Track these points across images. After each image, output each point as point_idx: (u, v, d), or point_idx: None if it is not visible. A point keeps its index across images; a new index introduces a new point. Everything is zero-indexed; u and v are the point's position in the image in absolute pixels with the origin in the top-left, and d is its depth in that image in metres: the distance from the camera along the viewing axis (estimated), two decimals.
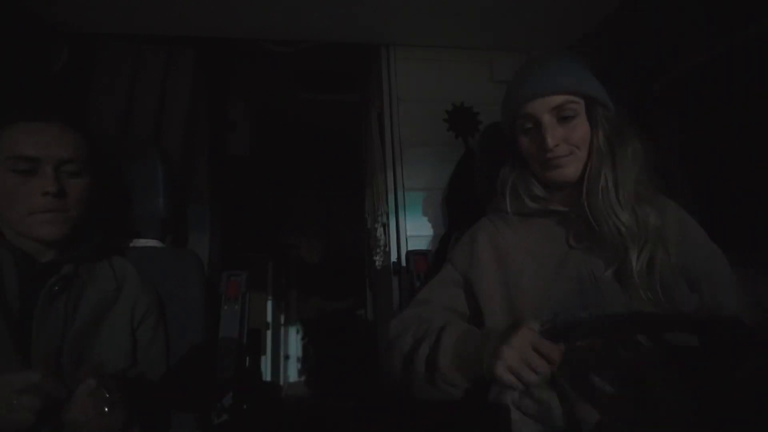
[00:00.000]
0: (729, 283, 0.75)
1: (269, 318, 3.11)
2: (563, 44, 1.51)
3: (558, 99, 0.78)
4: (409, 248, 1.40)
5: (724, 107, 1.19)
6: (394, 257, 1.44)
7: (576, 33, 1.43)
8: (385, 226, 1.52)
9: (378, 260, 1.61)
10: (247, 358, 1.27)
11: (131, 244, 1.00)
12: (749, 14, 1.01)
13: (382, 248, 1.57)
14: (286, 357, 3.45)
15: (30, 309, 0.72)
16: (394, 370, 0.78)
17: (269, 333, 3.08)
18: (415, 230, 1.45)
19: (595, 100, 0.80)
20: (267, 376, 3.00)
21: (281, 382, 3.27)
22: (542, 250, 0.81)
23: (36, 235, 0.73)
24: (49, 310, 0.73)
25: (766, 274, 0.68)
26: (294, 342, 3.55)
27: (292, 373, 3.50)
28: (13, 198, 0.72)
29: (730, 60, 1.12)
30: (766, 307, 0.76)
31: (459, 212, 1.42)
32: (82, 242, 0.80)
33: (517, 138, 0.84)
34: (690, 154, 1.28)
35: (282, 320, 3.43)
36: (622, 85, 1.37)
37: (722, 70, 1.15)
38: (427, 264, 1.24)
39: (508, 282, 0.81)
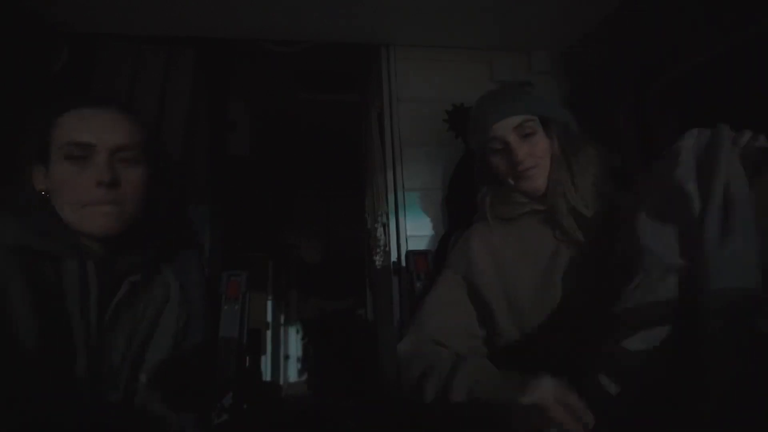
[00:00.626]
0: None
1: (269, 318, 3.12)
2: (563, 44, 1.51)
3: (517, 119, 0.90)
4: (409, 248, 1.40)
5: (724, 107, 1.19)
6: (394, 257, 1.44)
7: (576, 33, 1.43)
8: (385, 226, 1.52)
9: (378, 260, 1.61)
10: (247, 358, 1.27)
11: None
12: (749, 14, 1.01)
13: (382, 248, 1.57)
14: (286, 357, 3.45)
15: (102, 314, 0.71)
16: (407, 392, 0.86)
17: (269, 333, 3.08)
18: (415, 230, 1.45)
19: (548, 118, 0.92)
20: (267, 376, 3.01)
21: (281, 382, 3.27)
22: (533, 246, 0.90)
23: (88, 230, 0.70)
24: (116, 319, 0.73)
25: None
26: (294, 342, 3.55)
27: (292, 373, 3.50)
28: (68, 189, 0.69)
29: (730, 60, 1.12)
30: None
31: (459, 212, 1.42)
32: (144, 245, 0.78)
33: (488, 159, 0.96)
34: None
35: (282, 320, 3.43)
36: (622, 85, 1.37)
37: (722, 70, 1.15)
38: (427, 264, 1.24)
39: (506, 282, 0.89)
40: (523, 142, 0.90)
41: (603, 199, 0.87)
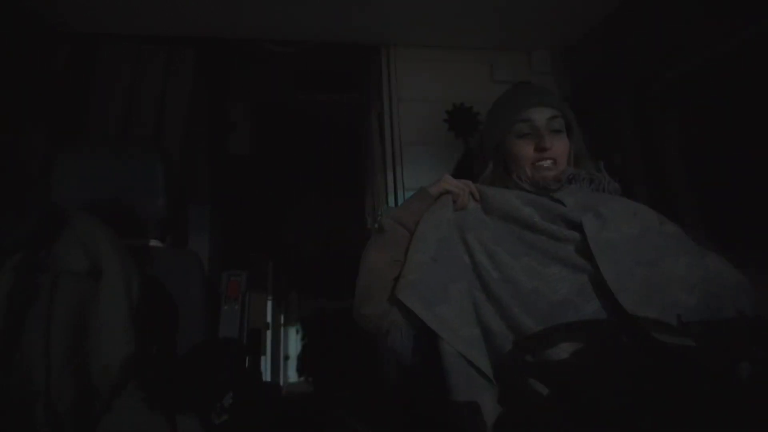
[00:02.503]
0: None
1: (269, 318, 3.12)
2: (563, 44, 1.51)
3: (551, 111, 0.90)
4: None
5: (724, 107, 1.19)
6: None
7: (576, 33, 1.43)
8: None
9: None
10: (247, 358, 1.27)
11: (131, 244, 1.00)
12: (749, 14, 1.01)
13: None
14: (286, 357, 3.45)
15: None
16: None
17: (269, 333, 3.08)
18: None
19: (571, 125, 0.93)
20: (267, 376, 3.01)
21: (281, 382, 3.27)
22: (526, 240, 0.85)
23: None
24: (19, 330, 0.57)
25: (767, 273, 0.68)
26: (294, 342, 3.55)
27: (292, 373, 3.50)
28: None
29: (730, 60, 1.12)
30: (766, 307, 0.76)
31: None
32: (19, 217, 0.62)
33: (509, 143, 0.93)
34: (690, 154, 1.28)
35: (282, 320, 3.43)
36: (622, 85, 1.37)
37: (722, 70, 1.15)
38: None
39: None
40: (550, 133, 0.90)
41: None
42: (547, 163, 0.89)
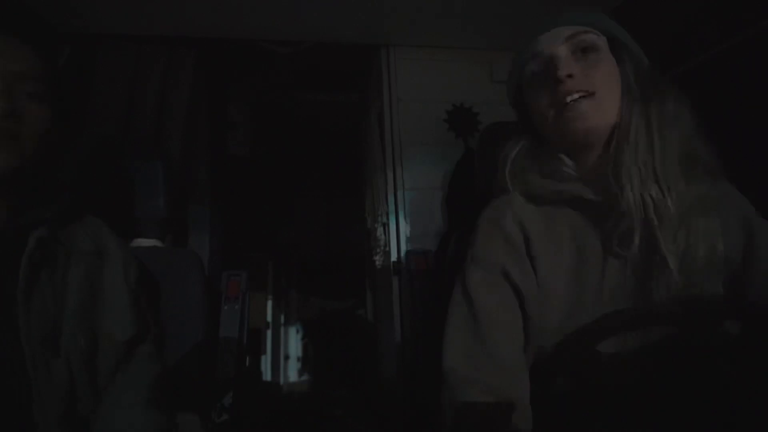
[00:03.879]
0: None
1: (269, 318, 3.12)
2: None
3: (571, 29, 0.63)
4: (409, 248, 1.40)
5: (726, 106, 1.19)
6: (394, 257, 1.44)
7: None
8: (385, 226, 1.52)
9: (378, 260, 1.61)
10: (247, 358, 1.27)
11: (131, 244, 1.00)
12: (750, 13, 1.01)
13: (382, 248, 1.57)
14: (286, 357, 3.44)
15: (6, 283, 0.60)
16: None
17: (269, 333, 3.08)
18: (415, 230, 1.45)
19: (620, 42, 0.65)
20: (267, 376, 3.01)
21: (281, 382, 3.27)
22: (572, 256, 0.62)
23: None
24: (33, 287, 0.62)
25: None
26: (294, 342, 3.55)
27: (292, 373, 3.50)
28: None
29: (731, 59, 1.12)
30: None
31: (459, 212, 1.42)
32: (45, 201, 0.67)
33: (525, 97, 0.68)
34: None
35: (282, 320, 3.43)
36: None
37: (723, 69, 1.15)
38: (427, 264, 1.24)
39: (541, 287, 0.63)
40: (575, 60, 0.62)
41: (694, 195, 0.58)
42: (574, 98, 0.60)
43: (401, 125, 1.51)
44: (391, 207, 1.49)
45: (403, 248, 1.42)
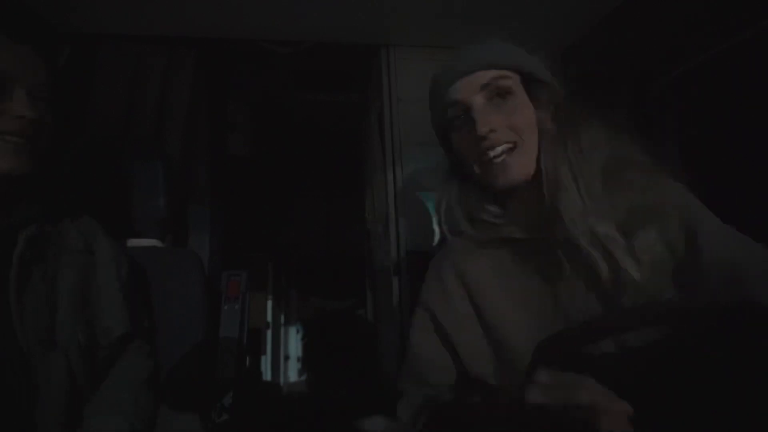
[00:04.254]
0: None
1: (269, 318, 3.12)
2: (563, 44, 1.51)
3: (486, 75, 0.64)
4: (409, 248, 1.40)
5: (724, 107, 1.19)
6: (394, 257, 1.44)
7: (576, 33, 1.43)
8: (385, 226, 1.52)
9: (378, 260, 1.61)
10: (247, 358, 1.27)
11: (131, 244, 1.00)
12: (750, 14, 1.01)
13: (382, 248, 1.57)
14: (286, 357, 3.45)
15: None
16: None
17: (269, 333, 3.08)
18: (415, 230, 1.45)
19: (533, 77, 0.67)
20: (267, 376, 3.01)
21: (281, 382, 3.27)
22: (516, 289, 0.65)
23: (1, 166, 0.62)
24: (26, 285, 0.63)
25: None
26: (294, 342, 3.55)
27: (292, 373, 3.50)
28: None
29: (730, 60, 1.12)
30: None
31: None
32: (37, 199, 0.69)
33: (450, 139, 0.70)
34: (689, 154, 1.28)
35: (282, 320, 3.43)
36: (622, 85, 1.37)
37: (722, 69, 1.15)
38: (426, 264, 1.24)
39: (489, 335, 0.66)
40: (493, 107, 0.64)
41: (617, 212, 0.60)
42: (497, 152, 0.62)
43: (401, 125, 1.51)
44: (391, 207, 1.48)
45: (403, 248, 1.42)
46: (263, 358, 2.90)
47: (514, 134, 0.63)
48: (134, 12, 1.26)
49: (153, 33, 1.39)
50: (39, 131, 0.65)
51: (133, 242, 1.01)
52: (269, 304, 3.13)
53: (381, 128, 1.57)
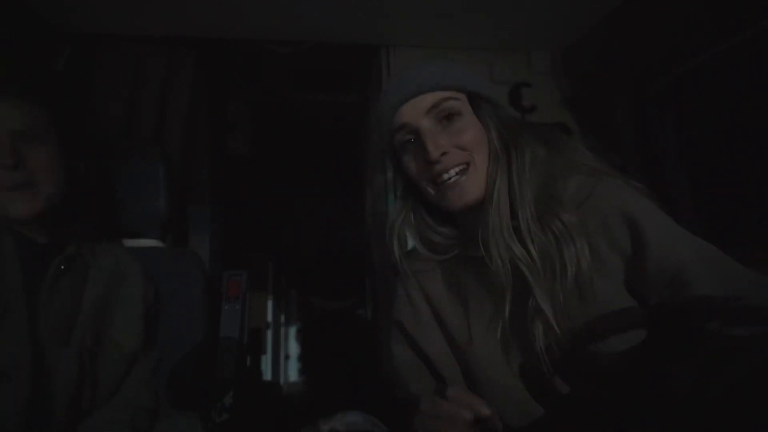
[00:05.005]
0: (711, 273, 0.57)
1: (269, 318, 3.12)
2: (563, 44, 1.51)
3: (431, 98, 0.64)
4: (409, 248, 1.40)
5: (724, 107, 1.19)
6: (393, 257, 1.44)
7: (576, 33, 1.43)
8: (385, 226, 1.52)
9: (378, 260, 1.61)
10: (248, 358, 1.27)
11: (131, 244, 1.00)
12: (750, 14, 1.01)
13: (382, 248, 1.57)
14: (286, 357, 3.45)
15: (34, 290, 0.71)
16: None
17: (269, 333, 3.09)
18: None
19: (479, 96, 0.67)
20: (267, 376, 3.01)
21: (281, 382, 3.28)
22: (470, 302, 0.69)
23: (14, 215, 0.71)
24: (55, 290, 0.73)
25: (766, 273, 0.68)
26: (294, 342, 3.55)
27: (292, 373, 3.50)
28: None
29: (729, 60, 1.12)
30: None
31: None
32: (74, 222, 0.79)
33: (400, 161, 0.70)
34: (689, 154, 1.28)
35: (282, 320, 3.43)
36: (622, 85, 1.37)
37: (722, 70, 1.15)
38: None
39: (451, 344, 0.72)
40: (441, 129, 0.64)
41: (551, 226, 0.61)
42: (450, 175, 0.63)
43: None
44: (391, 207, 1.48)
45: (403, 248, 1.42)
46: (263, 358, 2.90)
47: (465, 154, 0.64)
48: (134, 12, 1.27)
49: (153, 33, 1.39)
50: (37, 172, 0.71)
51: (133, 242, 1.01)
52: (269, 304, 3.13)
53: None
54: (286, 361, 3.44)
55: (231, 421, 1.03)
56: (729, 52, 1.09)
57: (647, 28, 1.24)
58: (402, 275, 0.81)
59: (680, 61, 1.19)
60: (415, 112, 0.65)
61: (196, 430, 0.86)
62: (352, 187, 2.36)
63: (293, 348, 3.54)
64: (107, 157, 1.00)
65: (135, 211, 1.00)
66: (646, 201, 0.62)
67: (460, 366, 0.70)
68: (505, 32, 1.44)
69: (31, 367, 0.68)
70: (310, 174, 3.31)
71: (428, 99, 0.64)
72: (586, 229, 0.61)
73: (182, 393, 0.89)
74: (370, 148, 1.72)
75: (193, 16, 1.30)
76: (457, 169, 0.64)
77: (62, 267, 0.74)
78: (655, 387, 0.55)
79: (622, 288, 0.60)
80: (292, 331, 3.56)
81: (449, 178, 0.64)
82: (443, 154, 0.63)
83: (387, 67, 1.55)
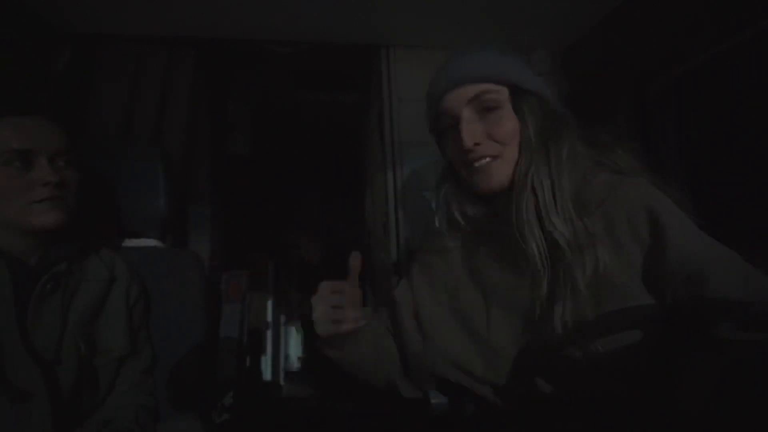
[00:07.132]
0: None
1: (270, 318, 3.12)
2: (563, 44, 1.51)
3: (474, 89, 0.68)
4: (409, 248, 1.40)
5: (724, 107, 1.19)
6: (394, 257, 1.44)
7: (576, 33, 1.43)
8: (385, 226, 1.52)
9: (378, 260, 1.61)
10: (248, 358, 1.27)
11: (131, 244, 1.00)
12: (750, 14, 1.01)
13: (382, 248, 1.57)
14: (286, 357, 3.45)
15: (24, 310, 0.74)
16: None
17: (269, 333, 3.09)
18: (415, 230, 1.45)
19: (521, 88, 0.70)
20: (267, 376, 3.01)
21: (281, 382, 3.28)
22: (489, 282, 0.72)
23: (39, 224, 0.74)
24: (42, 306, 0.75)
25: (766, 272, 0.68)
26: (294, 342, 3.55)
27: (292, 373, 3.50)
28: (8, 191, 0.72)
29: (730, 60, 1.12)
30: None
31: None
32: (69, 241, 0.81)
33: (441, 142, 0.77)
34: (689, 154, 1.28)
35: (282, 320, 3.43)
36: (622, 85, 1.37)
37: (722, 70, 1.15)
38: None
39: (464, 324, 0.74)
40: (479, 120, 0.69)
41: (583, 219, 0.64)
42: (481, 163, 0.68)
43: (401, 125, 1.51)
44: (391, 207, 1.48)
45: (403, 248, 1.42)
46: (263, 357, 2.90)
47: (497, 146, 0.69)
48: (134, 12, 1.27)
49: (153, 33, 1.39)
50: (67, 189, 0.77)
51: (133, 242, 1.00)
52: (270, 304, 3.13)
53: (381, 128, 1.57)
54: (285, 361, 3.44)
55: (231, 421, 1.02)
56: (729, 52, 1.09)
57: (647, 28, 1.24)
58: (427, 242, 0.86)
59: (680, 61, 1.19)
60: (458, 101, 0.69)
61: (196, 430, 0.86)
62: (352, 187, 2.36)
63: (293, 348, 3.54)
64: (107, 158, 1.00)
65: (135, 212, 1.00)
66: (668, 200, 0.64)
67: (475, 346, 0.71)
68: (504, 32, 1.44)
69: (44, 382, 0.70)
70: (310, 174, 3.31)
71: (471, 90, 0.68)
72: (611, 223, 0.64)
73: (182, 393, 0.89)
74: (370, 148, 1.72)
75: (193, 16, 1.30)
76: (488, 159, 0.69)
77: (48, 286, 0.76)
78: (666, 403, 0.56)
79: (641, 282, 0.61)
80: (292, 331, 3.57)
81: (480, 166, 0.69)
82: (476, 144, 0.68)
83: (387, 67, 1.55)
